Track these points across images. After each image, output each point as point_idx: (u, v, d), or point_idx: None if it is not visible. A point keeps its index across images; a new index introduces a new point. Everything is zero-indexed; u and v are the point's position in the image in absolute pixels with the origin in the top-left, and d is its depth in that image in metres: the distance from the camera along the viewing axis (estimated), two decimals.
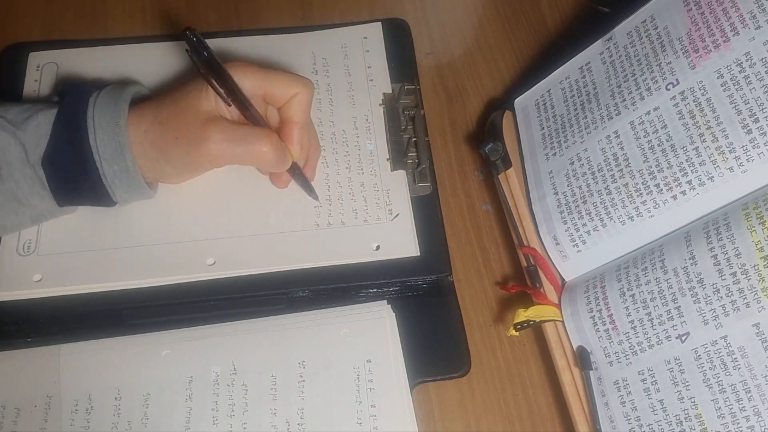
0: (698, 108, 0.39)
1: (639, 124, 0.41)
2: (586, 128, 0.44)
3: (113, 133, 0.40)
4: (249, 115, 0.42)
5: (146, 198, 0.45)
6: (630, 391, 0.39)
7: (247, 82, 0.41)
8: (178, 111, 0.41)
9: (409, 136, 0.51)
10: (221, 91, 0.41)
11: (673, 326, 0.37)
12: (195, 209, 0.47)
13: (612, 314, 0.40)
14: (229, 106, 0.42)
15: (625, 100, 0.42)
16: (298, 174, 0.46)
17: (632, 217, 0.41)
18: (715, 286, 0.36)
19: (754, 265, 0.35)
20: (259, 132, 0.42)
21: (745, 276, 0.35)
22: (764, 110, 0.37)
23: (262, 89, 0.42)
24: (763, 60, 0.37)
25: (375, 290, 0.46)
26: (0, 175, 0.40)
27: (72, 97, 0.42)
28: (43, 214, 0.43)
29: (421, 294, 0.46)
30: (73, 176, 0.41)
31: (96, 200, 0.43)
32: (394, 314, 0.45)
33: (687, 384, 0.36)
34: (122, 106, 0.41)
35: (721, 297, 0.36)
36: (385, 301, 0.45)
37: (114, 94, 0.42)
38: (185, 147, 0.41)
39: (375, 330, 0.44)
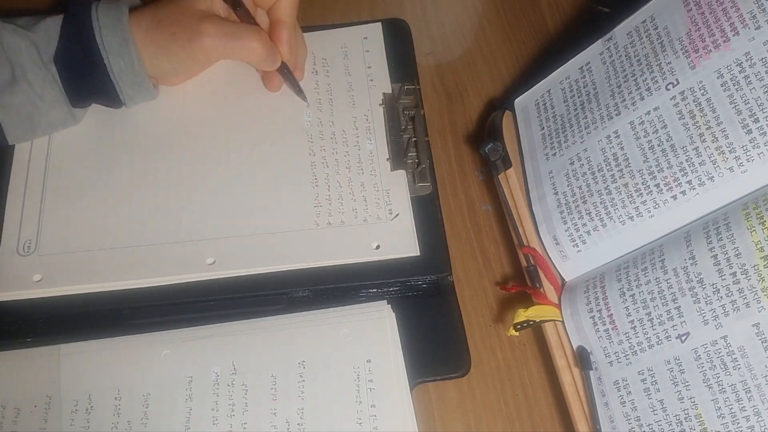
0: (698, 108, 0.39)
1: (639, 124, 0.41)
2: (586, 128, 0.44)
3: (117, 30, 0.44)
4: (240, 13, 0.46)
5: (150, 97, 0.48)
6: (630, 391, 0.39)
7: None
8: (175, 9, 0.45)
9: (409, 136, 0.51)
10: None
11: (673, 326, 0.37)
12: (195, 209, 0.47)
13: (612, 314, 0.40)
14: (225, 3, 0.45)
15: (625, 100, 0.42)
16: (288, 74, 0.49)
17: (632, 217, 0.41)
18: (715, 286, 0.36)
19: (754, 265, 0.35)
20: (250, 28, 0.46)
21: (745, 276, 0.35)
22: (764, 110, 0.37)
23: None
24: (763, 60, 0.37)
25: (375, 290, 0.46)
26: (15, 77, 0.43)
27: (76, 2, 0.45)
28: (55, 119, 0.46)
29: (421, 294, 0.46)
30: (83, 72, 0.44)
31: (105, 97, 0.46)
32: (393, 314, 0.45)
33: (687, 384, 0.36)
34: (123, 8, 0.45)
35: (721, 297, 0.36)
36: (385, 301, 0.45)
37: (114, 1, 0.45)
38: (182, 41, 0.44)
39: (375, 330, 0.44)
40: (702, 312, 0.36)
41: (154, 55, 0.45)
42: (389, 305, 0.45)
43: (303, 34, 0.51)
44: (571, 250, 0.44)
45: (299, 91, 0.51)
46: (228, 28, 0.45)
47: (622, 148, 0.42)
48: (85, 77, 0.45)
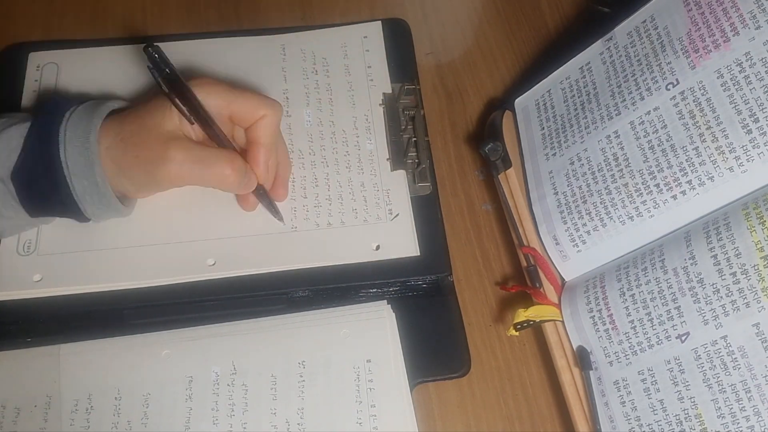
0: (698, 108, 0.39)
1: (639, 124, 0.41)
2: (586, 128, 0.44)
3: (83, 149, 0.40)
4: (212, 134, 0.41)
5: (121, 216, 0.44)
6: (630, 391, 0.39)
7: (212, 100, 0.41)
8: (141, 128, 0.41)
9: (409, 136, 0.51)
10: (184, 109, 0.40)
11: (673, 326, 0.37)
12: (195, 209, 0.47)
13: (612, 314, 0.40)
14: (192, 124, 0.41)
15: (625, 100, 0.42)
16: (263, 196, 0.45)
17: (632, 217, 0.41)
18: (715, 286, 0.36)
19: (754, 265, 0.35)
20: (222, 154, 0.41)
21: (745, 276, 0.35)
22: (764, 110, 0.37)
23: (229, 109, 0.42)
24: (763, 60, 0.37)
25: (375, 290, 0.46)
26: None
27: (48, 111, 0.41)
28: (20, 224, 0.43)
29: (421, 294, 0.46)
30: (43, 190, 0.40)
31: (68, 214, 0.43)
32: (393, 314, 0.45)
33: (687, 384, 0.36)
34: (95, 122, 0.41)
35: (721, 297, 0.36)
36: (385, 301, 0.45)
37: (90, 110, 0.42)
38: (145, 166, 0.40)
39: (375, 330, 0.44)
40: (702, 312, 0.36)
41: (115, 174, 0.41)
42: (389, 305, 0.45)
43: (288, 152, 0.47)
44: (571, 250, 0.44)
45: (275, 212, 0.46)
46: (197, 154, 0.40)
47: (622, 148, 0.42)
48: (45, 195, 0.41)
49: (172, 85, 0.40)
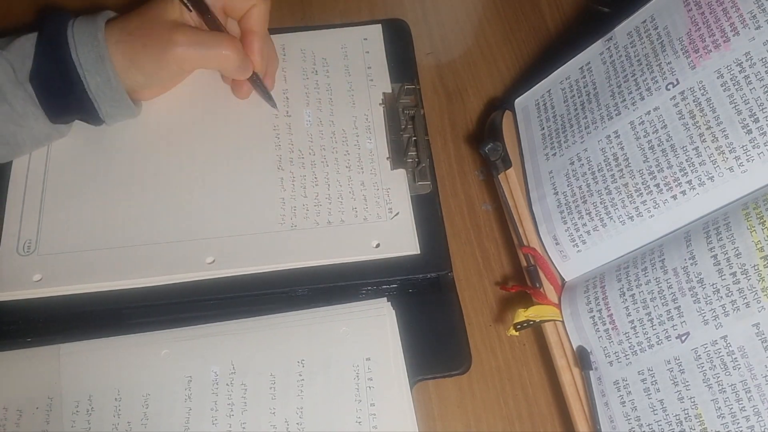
0: (698, 108, 0.39)
1: (639, 124, 0.41)
2: (586, 128, 0.44)
3: (93, 47, 0.43)
4: (210, 21, 0.46)
5: (130, 114, 0.48)
6: (630, 391, 0.39)
7: None
8: (145, 21, 0.44)
9: (408, 135, 0.51)
10: None
11: (673, 326, 0.37)
12: (195, 207, 0.47)
13: (612, 314, 0.40)
14: (190, 11, 0.45)
15: (625, 100, 0.42)
16: (258, 83, 0.49)
17: (632, 217, 0.41)
18: (715, 286, 0.36)
19: (754, 265, 0.35)
20: (222, 36, 0.45)
21: (745, 276, 0.35)
22: (764, 110, 0.37)
23: (221, 1, 0.46)
24: (763, 60, 0.37)
25: (375, 288, 0.46)
26: None
27: (51, 20, 0.44)
28: (40, 135, 0.46)
29: (422, 291, 0.46)
30: (60, 90, 0.44)
31: (84, 114, 0.46)
32: (393, 311, 0.45)
33: (687, 384, 0.36)
34: (99, 23, 0.44)
35: (721, 297, 0.36)
36: (385, 298, 0.45)
37: (90, 17, 0.45)
38: (154, 52, 0.44)
39: (375, 328, 0.44)
40: (702, 312, 0.36)
41: (126, 68, 0.44)
42: (389, 302, 0.45)
43: (274, 44, 0.51)
44: (571, 250, 0.44)
45: (269, 98, 0.50)
46: (200, 37, 0.45)
47: (622, 148, 0.42)
48: (62, 95, 0.44)
49: None
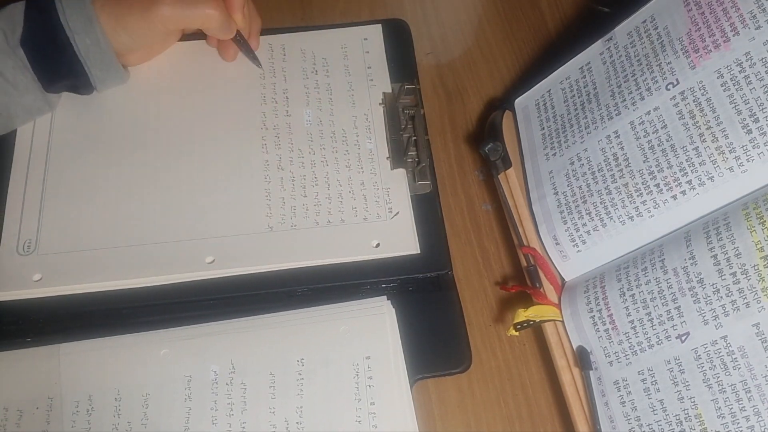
0: (698, 108, 0.39)
1: (639, 124, 0.41)
2: (586, 128, 0.44)
3: (81, 9, 0.44)
4: None
5: (120, 79, 0.49)
6: (630, 391, 0.39)
7: None
8: None
9: (408, 135, 0.51)
10: None
11: (673, 326, 0.37)
12: (194, 207, 0.47)
13: (612, 314, 0.40)
14: None
15: (625, 100, 0.42)
16: (243, 43, 0.51)
17: (632, 217, 0.41)
18: (715, 286, 0.36)
19: (754, 265, 0.35)
20: None
21: (745, 276, 0.35)
22: (764, 110, 0.37)
23: None
24: (763, 60, 0.37)
25: (375, 287, 0.46)
26: None
27: None
28: (32, 106, 0.47)
29: (422, 290, 0.46)
30: (51, 54, 0.45)
31: (75, 79, 0.47)
32: (393, 310, 0.45)
33: (687, 384, 0.36)
34: None
35: (721, 297, 0.36)
36: (385, 296, 0.45)
37: None
38: (139, 12, 0.45)
39: (374, 326, 0.44)
40: (702, 312, 0.36)
41: (112, 28, 0.45)
42: (389, 301, 0.45)
43: (254, 7, 0.52)
44: (571, 250, 0.44)
45: (254, 58, 0.52)
46: None
47: (622, 148, 0.42)
48: (53, 59, 0.45)
49: None
